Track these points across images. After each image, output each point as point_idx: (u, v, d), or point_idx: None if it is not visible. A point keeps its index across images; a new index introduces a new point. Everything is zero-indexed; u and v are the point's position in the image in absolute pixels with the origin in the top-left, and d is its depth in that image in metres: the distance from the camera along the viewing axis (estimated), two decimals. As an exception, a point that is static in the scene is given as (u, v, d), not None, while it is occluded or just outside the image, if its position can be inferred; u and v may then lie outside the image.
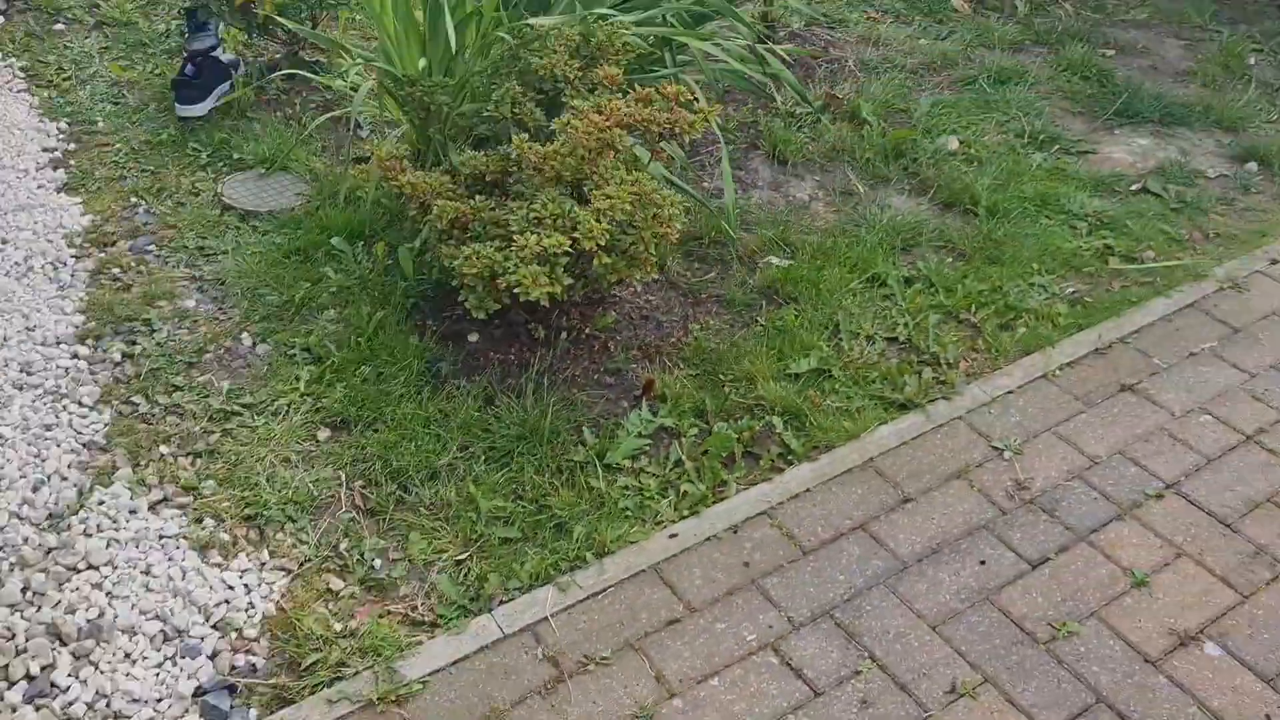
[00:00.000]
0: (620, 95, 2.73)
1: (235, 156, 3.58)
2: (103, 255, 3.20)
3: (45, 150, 3.63)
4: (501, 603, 2.23)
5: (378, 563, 2.33)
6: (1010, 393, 2.77)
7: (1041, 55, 4.28)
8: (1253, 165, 3.69)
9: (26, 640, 2.17)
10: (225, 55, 3.87)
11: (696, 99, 2.84)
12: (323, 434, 2.64)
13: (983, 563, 2.33)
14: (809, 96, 3.83)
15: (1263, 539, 2.39)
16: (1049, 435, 2.66)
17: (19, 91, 3.96)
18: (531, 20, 3.00)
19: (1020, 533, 2.41)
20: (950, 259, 3.23)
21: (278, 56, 4.09)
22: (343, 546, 2.37)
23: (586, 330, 2.87)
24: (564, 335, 2.84)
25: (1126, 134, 3.85)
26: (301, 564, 2.33)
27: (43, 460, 2.55)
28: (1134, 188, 3.58)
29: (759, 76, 3.47)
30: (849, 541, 2.37)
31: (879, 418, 2.69)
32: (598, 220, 2.43)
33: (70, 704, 2.08)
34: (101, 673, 2.12)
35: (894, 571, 2.30)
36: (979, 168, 3.59)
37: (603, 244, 2.43)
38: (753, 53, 3.42)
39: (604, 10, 3.05)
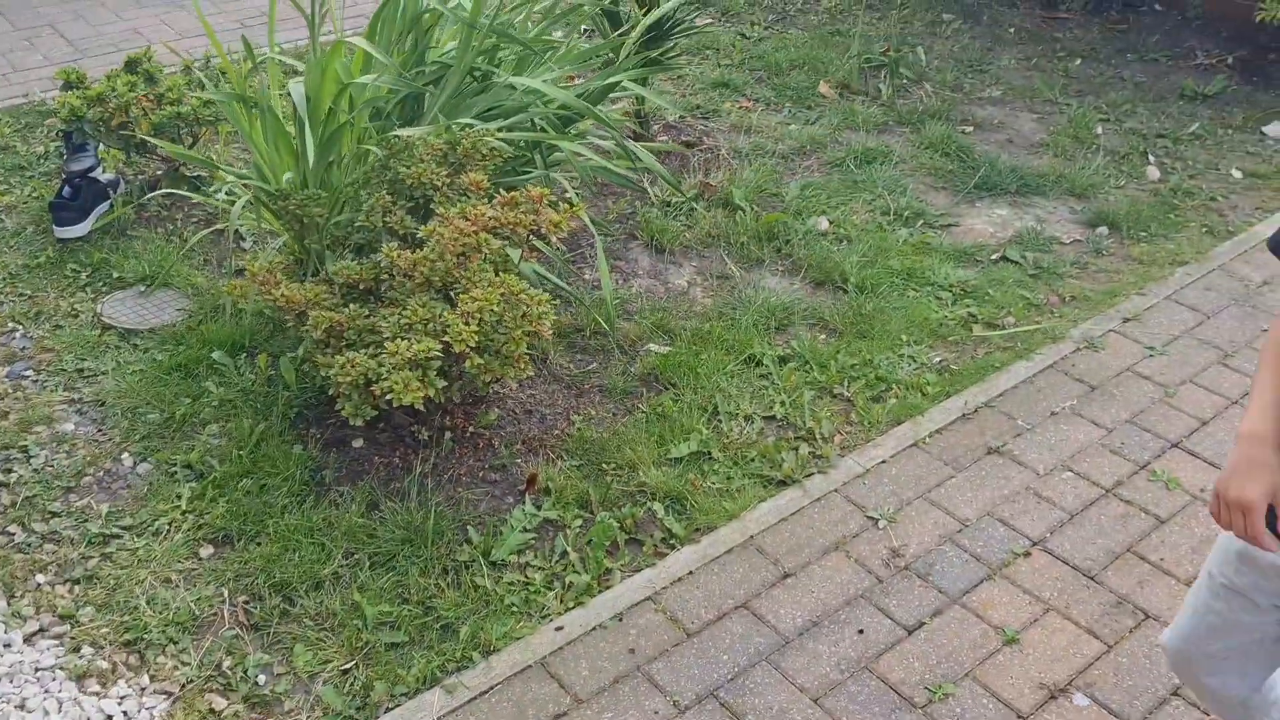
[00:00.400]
0: (487, 199, 2.75)
1: (115, 275, 3.50)
2: None
3: None
4: (388, 709, 2.19)
5: (261, 678, 2.27)
6: (884, 462, 2.81)
7: (904, 135, 4.37)
8: (1103, 229, 3.80)
9: None
10: (104, 175, 3.82)
11: (568, 197, 2.90)
12: (205, 551, 2.58)
13: (861, 631, 2.34)
14: (681, 186, 3.90)
15: (1124, 589, 2.44)
16: (921, 501, 2.70)
17: None
18: (400, 131, 3.02)
19: (896, 599, 2.43)
20: (823, 336, 3.27)
21: (158, 174, 4.03)
22: (226, 665, 2.30)
23: (470, 429, 2.86)
24: (447, 435, 2.82)
25: (986, 205, 3.93)
26: (184, 685, 2.26)
27: None
28: (994, 257, 3.64)
29: (625, 172, 3.52)
30: (732, 621, 2.37)
31: (758, 496, 2.70)
32: (466, 324, 2.43)
33: None
34: None
35: (776, 648, 2.30)
36: (848, 246, 3.64)
37: (473, 345, 2.42)
38: (622, 149, 3.50)
39: (468, 120, 3.10)
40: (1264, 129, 4.48)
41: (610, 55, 3.79)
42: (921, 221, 3.82)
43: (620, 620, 2.36)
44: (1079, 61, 4.97)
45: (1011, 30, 5.24)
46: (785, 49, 5.01)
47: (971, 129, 4.43)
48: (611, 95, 3.68)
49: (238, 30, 4.39)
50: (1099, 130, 4.43)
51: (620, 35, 3.86)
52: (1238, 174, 4.12)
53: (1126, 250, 3.74)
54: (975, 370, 3.14)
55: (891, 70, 4.80)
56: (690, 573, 2.49)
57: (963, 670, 2.26)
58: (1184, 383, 3.09)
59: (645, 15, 3.81)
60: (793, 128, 4.42)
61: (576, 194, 3.28)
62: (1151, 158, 4.23)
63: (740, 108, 4.60)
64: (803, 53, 4.96)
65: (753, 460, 2.81)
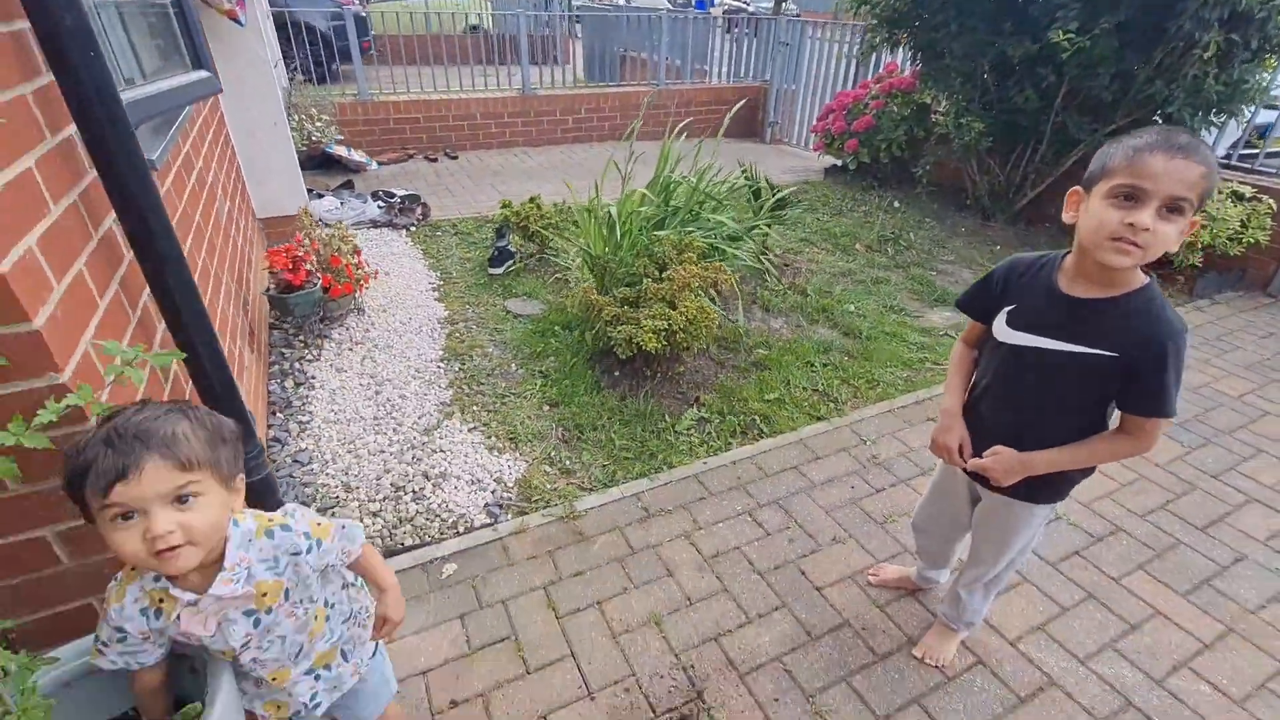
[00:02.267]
0: (694, 264, 2.88)
1: (513, 291, 3.71)
2: (451, 327, 3.32)
3: (430, 285, 3.77)
4: (623, 483, 2.32)
5: (567, 462, 2.42)
6: (872, 417, 2.77)
7: (898, 273, 4.25)
8: None
9: (412, 478, 2.31)
10: (511, 247, 4.00)
11: (729, 273, 3.01)
12: (545, 408, 2.72)
13: (853, 487, 2.36)
14: (781, 281, 3.95)
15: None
16: (889, 437, 2.65)
17: (419, 260, 4.11)
18: (656, 233, 3.18)
19: (871, 477, 2.41)
20: (846, 357, 3.21)
21: (535, 248, 4.19)
22: (551, 454, 2.46)
23: (670, 372, 2.91)
24: (659, 374, 2.88)
25: (939, 310, 3.80)
26: (532, 460, 2.42)
27: (423, 407, 2.69)
28: (941, 333, 3.53)
29: (756, 266, 3.66)
30: (788, 474, 2.42)
31: (805, 422, 2.72)
32: (680, 316, 2.60)
33: (430, 505, 2.19)
34: (444, 493, 2.24)
35: (809, 488, 2.35)
36: (862, 319, 3.57)
37: (680, 326, 2.59)
38: (758, 259, 3.67)
39: (688, 230, 3.30)
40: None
41: (753, 213, 3.94)
42: (903, 312, 3.73)
43: (734, 465, 2.45)
44: (998, 246, 4.75)
45: (963, 230, 5.02)
46: (839, 227, 4.95)
47: (935, 274, 4.28)
48: (752, 231, 3.78)
49: (586, 188, 4.69)
50: None
51: (760, 204, 3.99)
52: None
53: None
54: (924, 383, 3.07)
55: (894, 242, 4.72)
56: (767, 450, 2.53)
57: (901, 511, 2.26)
58: None
59: (774, 196, 3.97)
60: (840, 263, 4.35)
61: (734, 273, 3.37)
62: None
63: (814, 250, 4.56)
64: (848, 230, 4.89)
65: (804, 406, 2.83)
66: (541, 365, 3.03)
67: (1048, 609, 1.92)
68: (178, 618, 0.94)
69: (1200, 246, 3.91)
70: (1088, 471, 1.37)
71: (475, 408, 2.74)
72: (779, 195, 3.87)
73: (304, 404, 2.70)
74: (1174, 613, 1.92)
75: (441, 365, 3.02)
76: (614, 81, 8.08)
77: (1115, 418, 1.28)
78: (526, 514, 2.20)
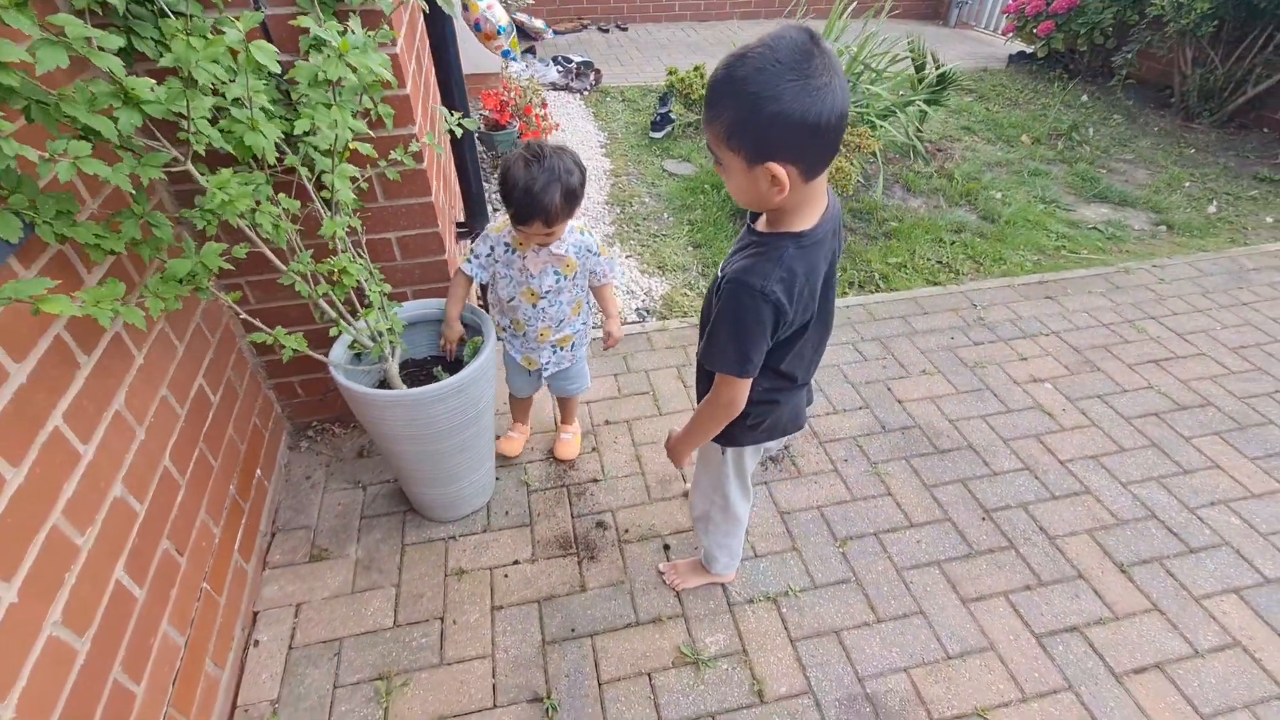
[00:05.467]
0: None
1: (670, 153, 4.03)
2: (614, 179, 3.72)
3: (599, 143, 4.17)
4: None
5: (703, 288, 2.81)
6: (989, 289, 2.92)
7: (1062, 168, 4.09)
8: (1163, 228, 3.52)
9: None
10: (672, 114, 4.27)
11: (871, 139, 3.18)
12: (690, 248, 3.11)
13: (952, 339, 2.60)
14: (930, 163, 4.00)
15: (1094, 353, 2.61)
16: (1000, 305, 2.81)
17: (590, 121, 4.52)
18: None
19: (973, 334, 2.64)
20: (977, 238, 3.29)
21: (693, 114, 4.33)
22: (691, 281, 2.88)
23: None
24: None
25: (1095, 205, 3.71)
26: (674, 284, 2.86)
27: (594, 233, 3.29)
28: (1090, 227, 3.47)
29: (909, 143, 3.70)
30: (898, 320, 2.70)
31: (922, 283, 2.95)
32: None
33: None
34: None
35: (914, 333, 2.64)
36: (1006, 206, 3.58)
37: None
38: (906, 134, 3.74)
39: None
40: (1307, 205, 3.80)
41: (912, 90, 3.89)
42: (1054, 204, 3.67)
43: (846, 309, 2.77)
44: (1192, 150, 4.33)
45: (1155, 129, 4.60)
46: (1009, 118, 4.72)
47: (1105, 171, 4.05)
48: (907, 108, 3.72)
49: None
50: (1186, 183, 3.94)
51: (922, 78, 3.96)
52: (1270, 220, 3.61)
53: (1173, 239, 3.43)
54: (1053, 267, 3.13)
55: (1067, 135, 4.47)
56: (879, 302, 2.82)
57: (990, 360, 2.51)
58: (1173, 297, 2.92)
59: (937, 71, 3.96)
60: (998, 153, 4.24)
61: (881, 148, 3.35)
62: (1214, 204, 3.74)
63: (972, 138, 4.46)
64: (1018, 121, 4.66)
65: (924, 272, 3.03)
66: (690, 216, 3.43)
67: (1105, 446, 2.20)
68: (523, 257, 1.58)
69: None
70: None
71: (632, 241, 3.24)
72: (941, 72, 3.85)
73: (502, 222, 3.36)
74: (1233, 468, 2.11)
75: (605, 208, 3.52)
76: (792, -48, 7.72)
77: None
78: (666, 319, 2.74)
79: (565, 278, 1.65)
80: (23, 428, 1.04)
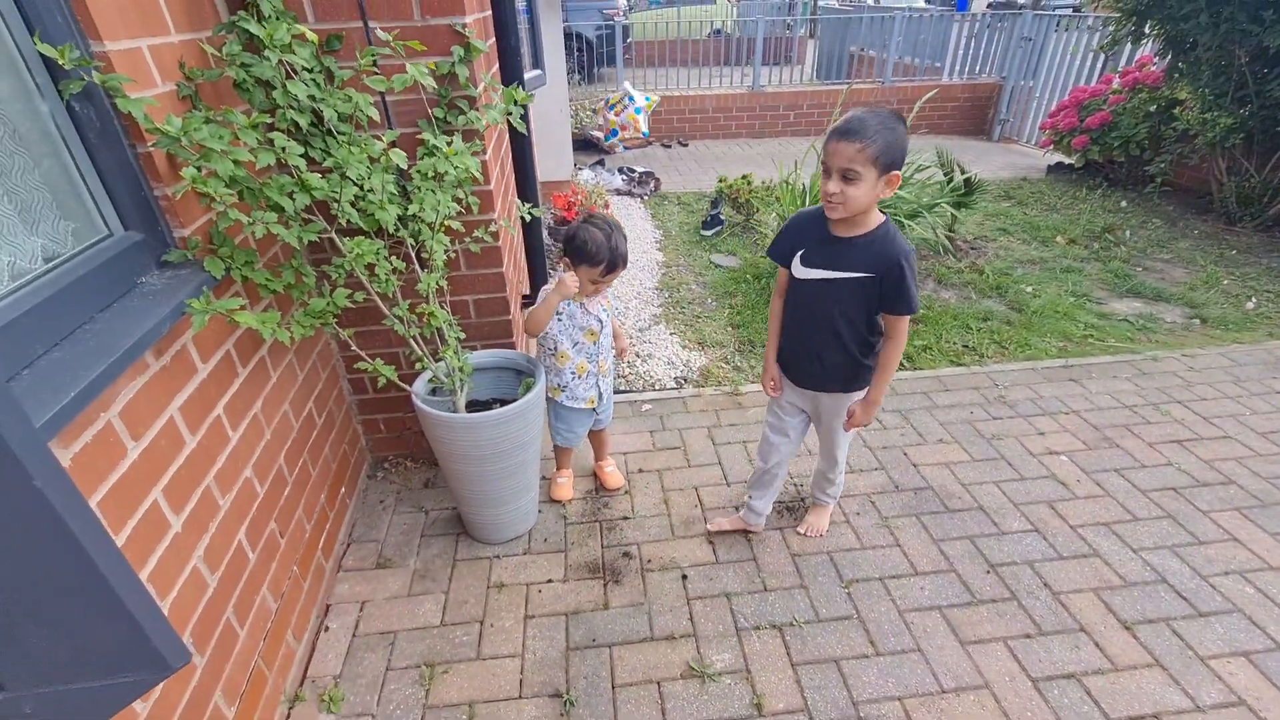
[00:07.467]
0: None
1: (718, 249, 4.41)
2: (665, 269, 4.12)
3: (654, 240, 4.64)
4: None
5: (739, 361, 3.10)
6: (1011, 370, 3.07)
7: (1095, 266, 4.19)
8: (1196, 321, 3.55)
9: (641, 367, 3.28)
10: (722, 215, 4.74)
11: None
12: (729, 328, 3.40)
13: (971, 413, 2.76)
14: (961, 260, 4.20)
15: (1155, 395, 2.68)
16: (1021, 386, 2.95)
17: (648, 221, 5.04)
18: None
19: (992, 410, 2.77)
20: (1005, 325, 3.44)
21: (741, 216, 4.84)
22: (726, 358, 3.14)
23: None
24: None
25: (1128, 300, 3.78)
26: (711, 359, 3.13)
27: (640, 315, 3.53)
28: (1120, 319, 3.54)
29: (938, 242, 3.96)
30: (916, 396, 2.87)
31: (946, 364, 3.12)
32: None
33: (638, 371, 3.08)
34: (648, 366, 3.07)
35: (929, 408, 2.78)
36: (1036, 298, 3.72)
37: None
38: (935, 235, 4.03)
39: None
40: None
41: (939, 193, 4.19)
42: (1085, 298, 3.77)
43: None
44: (1234, 252, 4.37)
45: (1196, 232, 4.68)
46: (1046, 221, 4.90)
47: (1140, 270, 4.14)
48: (933, 209, 3.99)
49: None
50: (1225, 281, 3.97)
51: (950, 185, 4.26)
52: (1313, 317, 3.60)
53: (1207, 331, 3.47)
54: (1079, 353, 3.23)
55: (1101, 236, 4.62)
56: (903, 379, 2.99)
57: (1008, 433, 2.62)
58: (1201, 384, 2.96)
59: (963, 177, 4.27)
60: (1032, 252, 4.38)
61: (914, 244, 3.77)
62: (1253, 300, 3.76)
63: (1008, 239, 4.61)
64: (1055, 224, 4.82)
65: (948, 354, 3.20)
66: (731, 301, 3.78)
67: (1118, 514, 2.27)
68: (582, 305, 1.99)
69: None
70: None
71: (677, 321, 3.60)
72: (966, 178, 4.18)
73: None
74: (1251, 541, 2.14)
75: (655, 292, 3.93)
76: (842, 79, 8.54)
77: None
78: (702, 388, 3.03)
79: (608, 313, 2.07)
80: (200, 408, 1.44)
